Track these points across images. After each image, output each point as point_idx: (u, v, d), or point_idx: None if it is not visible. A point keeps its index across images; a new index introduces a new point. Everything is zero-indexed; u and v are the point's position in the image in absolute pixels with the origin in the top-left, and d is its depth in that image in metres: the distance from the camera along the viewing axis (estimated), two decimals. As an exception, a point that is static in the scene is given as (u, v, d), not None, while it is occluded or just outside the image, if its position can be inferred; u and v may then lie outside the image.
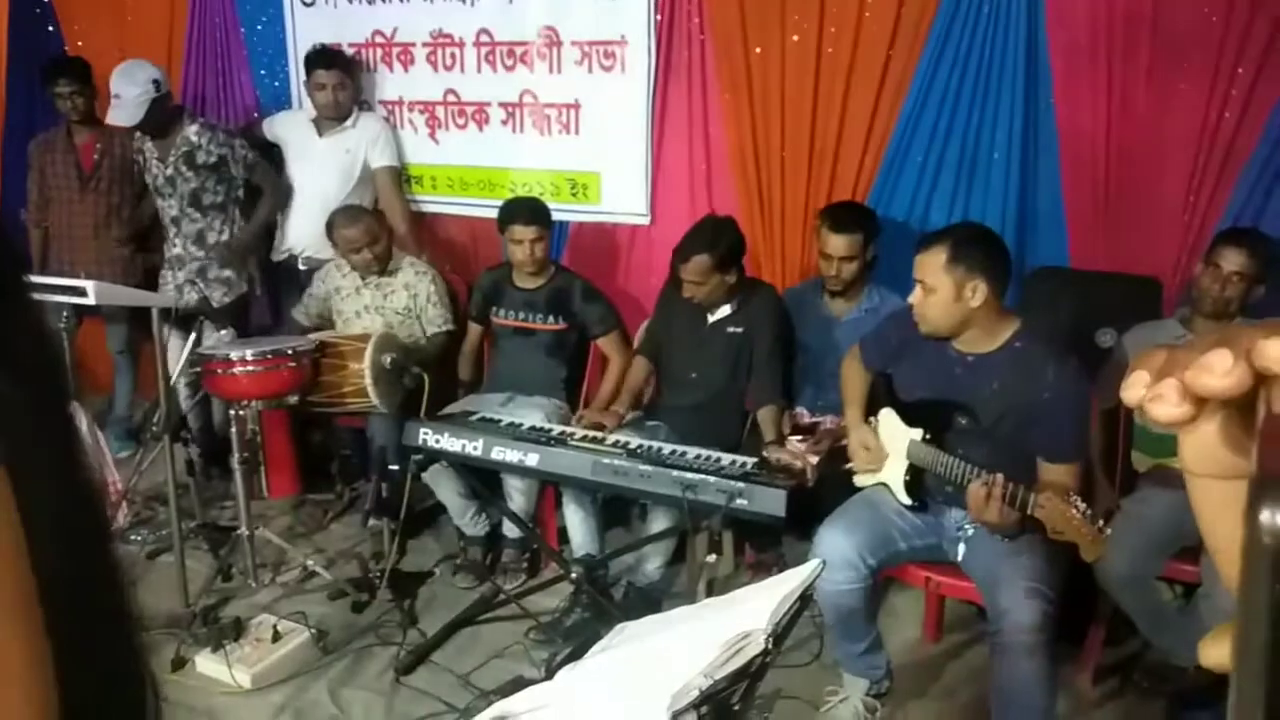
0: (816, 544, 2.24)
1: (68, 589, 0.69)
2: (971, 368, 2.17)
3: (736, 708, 1.01)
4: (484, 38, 3.54)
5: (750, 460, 2.54)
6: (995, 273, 2.09)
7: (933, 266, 2.10)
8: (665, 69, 3.31)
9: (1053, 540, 1.93)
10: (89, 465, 0.83)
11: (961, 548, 2.21)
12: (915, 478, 2.29)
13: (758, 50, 3.11)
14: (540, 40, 3.45)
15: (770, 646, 1.00)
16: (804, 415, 2.94)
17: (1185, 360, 0.31)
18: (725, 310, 2.89)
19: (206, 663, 2.54)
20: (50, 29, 4.28)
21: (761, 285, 2.97)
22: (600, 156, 3.47)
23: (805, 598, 1.19)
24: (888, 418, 2.36)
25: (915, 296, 2.16)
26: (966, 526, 2.21)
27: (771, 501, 2.33)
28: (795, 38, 3.05)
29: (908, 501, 2.30)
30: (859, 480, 2.44)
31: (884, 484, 2.36)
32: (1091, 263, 2.83)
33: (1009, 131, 2.84)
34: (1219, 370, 0.30)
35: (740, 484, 2.36)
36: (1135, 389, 0.33)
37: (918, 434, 2.26)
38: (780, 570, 2.81)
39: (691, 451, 2.60)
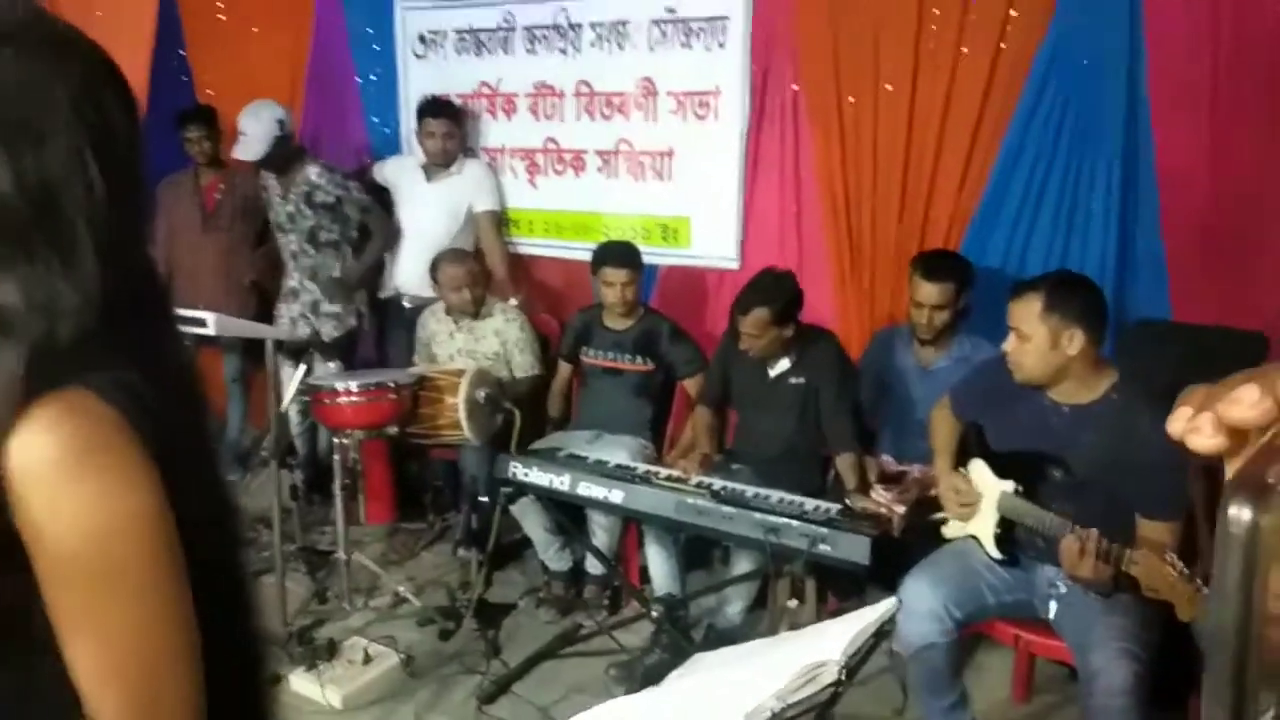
0: (900, 594, 2.21)
1: (202, 600, 0.76)
2: (1068, 419, 2.13)
3: None
4: (583, 88, 3.68)
5: (834, 506, 2.54)
6: (1092, 321, 2.06)
7: (1027, 314, 2.09)
8: (758, 117, 3.38)
9: (1148, 600, 1.87)
10: (226, 483, 0.91)
11: (1053, 605, 2.15)
12: (1006, 531, 2.24)
13: (850, 99, 3.15)
14: (637, 91, 3.57)
15: (843, 677, 1.02)
16: (891, 464, 2.91)
17: (1221, 395, 0.35)
18: (785, 364, 2.91)
19: (300, 681, 2.64)
20: (184, 79, 4.62)
21: (820, 334, 2.97)
22: (691, 202, 3.55)
23: (880, 634, 1.20)
24: (978, 468, 2.33)
25: (1010, 344, 2.15)
26: (1059, 583, 2.15)
27: (855, 548, 2.32)
28: (889, 87, 3.08)
29: (997, 555, 2.25)
30: (947, 532, 2.40)
31: (973, 536, 2.32)
32: (1194, 315, 2.75)
33: (1108, 180, 2.79)
34: (1246, 402, 0.34)
35: (823, 529, 2.36)
36: (1178, 422, 0.37)
37: (1009, 486, 2.22)
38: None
39: (775, 495, 2.61)
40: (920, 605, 2.14)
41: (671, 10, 3.45)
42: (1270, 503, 0.33)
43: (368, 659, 2.70)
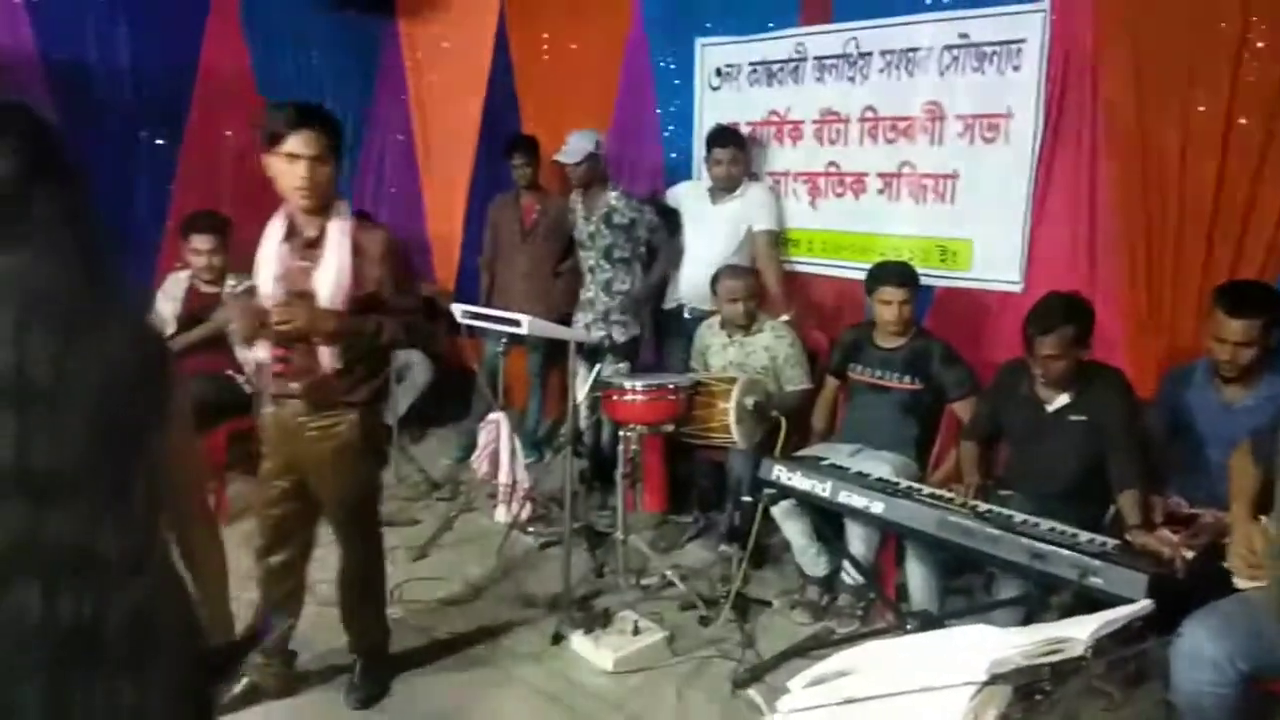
0: (1179, 637, 2.11)
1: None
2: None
3: (1038, 698, 1.10)
4: (869, 114, 3.80)
5: (1111, 541, 2.45)
6: None
7: None
8: (1052, 139, 3.31)
9: None
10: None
11: (1363, 670, 1.96)
12: (1311, 585, 2.07)
13: (1156, 120, 3.01)
14: (923, 115, 3.62)
15: (1088, 656, 1.07)
16: (1182, 505, 2.73)
17: None
18: (1064, 399, 2.83)
19: (580, 642, 2.97)
20: (511, 111, 5.27)
21: (1103, 369, 2.86)
22: (975, 224, 3.54)
23: (1131, 630, 1.23)
24: (1282, 518, 2.16)
25: None
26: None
27: (1130, 584, 2.23)
28: (1201, 108, 2.91)
29: (1297, 610, 2.08)
30: (1239, 582, 2.24)
31: (1268, 587, 2.15)
32: None
33: None
34: None
35: (1096, 561, 2.30)
36: None
37: (1318, 537, 2.05)
38: (1135, 667, 2.63)
39: (1046, 523, 2.56)
40: (1199, 651, 2.04)
41: (964, 35, 3.48)
42: None
43: (637, 631, 2.98)
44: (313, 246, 2.41)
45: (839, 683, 1.31)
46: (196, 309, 3.86)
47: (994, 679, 1.05)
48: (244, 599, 3.05)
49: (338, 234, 2.39)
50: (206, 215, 3.98)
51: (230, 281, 3.86)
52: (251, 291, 3.54)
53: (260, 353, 2.44)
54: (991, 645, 1.11)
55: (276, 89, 4.88)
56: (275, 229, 2.44)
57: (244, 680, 2.63)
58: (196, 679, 1.26)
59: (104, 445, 1.11)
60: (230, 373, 3.89)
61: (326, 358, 2.41)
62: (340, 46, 5.19)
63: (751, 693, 2.65)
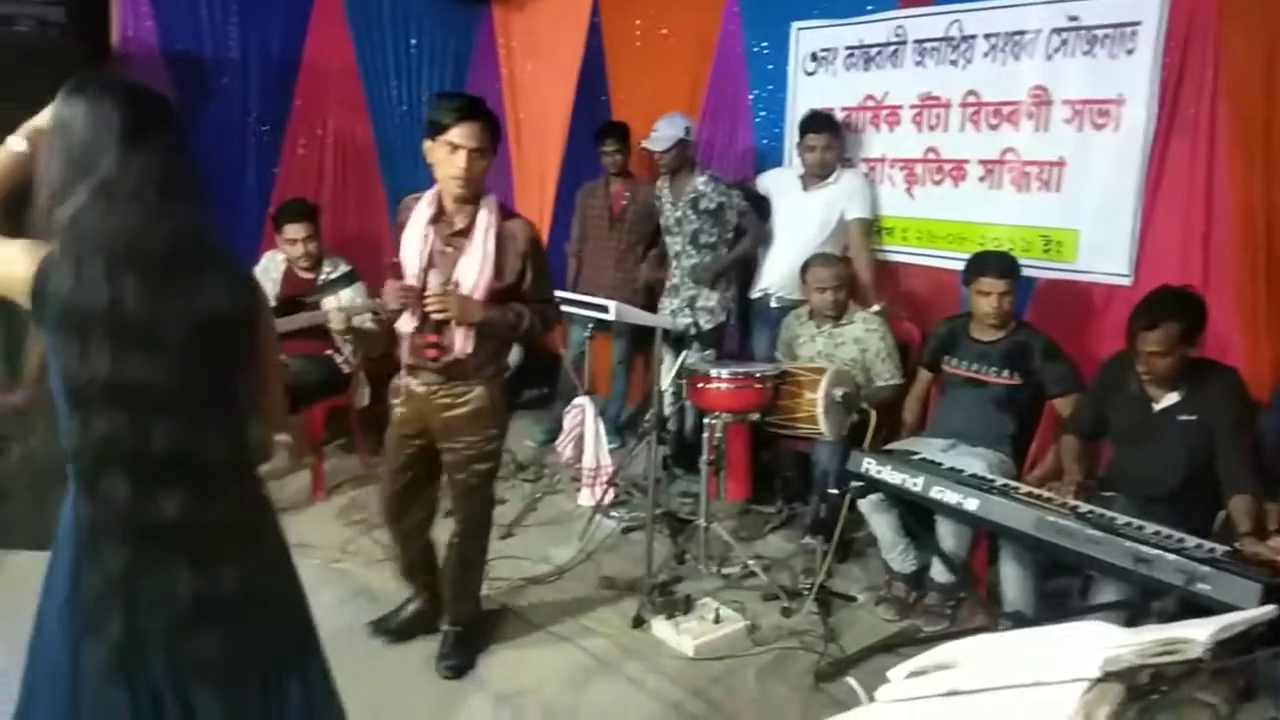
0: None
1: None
2: None
3: (1154, 698, 1.05)
4: (971, 99, 3.68)
5: (1220, 547, 2.34)
6: None
7: None
8: (1168, 127, 3.15)
9: None
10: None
11: None
12: None
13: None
14: (1029, 100, 3.49)
15: (1206, 658, 1.03)
16: (1300, 514, 2.59)
17: None
18: (1173, 397, 2.69)
19: (660, 626, 2.98)
20: (602, 98, 5.30)
21: (1216, 367, 2.71)
22: (1081, 214, 3.40)
23: (1244, 641, 1.16)
24: None
25: None
26: None
27: (1241, 593, 2.12)
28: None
29: None
30: (1365, 595, 2.11)
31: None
32: None
33: None
34: None
35: (1204, 567, 2.19)
36: None
37: None
38: (1244, 680, 2.50)
39: (1150, 527, 2.45)
40: (1320, 667, 1.92)
41: (1074, 18, 3.33)
42: None
43: (718, 619, 2.98)
44: (459, 235, 2.49)
45: (941, 675, 1.28)
46: (295, 293, 4.00)
47: (1107, 676, 1.01)
48: (335, 570, 3.22)
49: (485, 225, 2.47)
50: (297, 204, 4.09)
51: (326, 268, 4.05)
52: (350, 277, 3.64)
53: (404, 325, 2.55)
54: (1104, 641, 1.07)
55: (376, 76, 5.01)
56: (422, 211, 2.53)
57: (412, 606, 2.91)
58: (292, 573, 1.52)
59: (204, 370, 1.31)
60: (329, 352, 4.02)
61: (460, 340, 2.50)
62: (437, 33, 5.28)
63: (850, 680, 2.61)
